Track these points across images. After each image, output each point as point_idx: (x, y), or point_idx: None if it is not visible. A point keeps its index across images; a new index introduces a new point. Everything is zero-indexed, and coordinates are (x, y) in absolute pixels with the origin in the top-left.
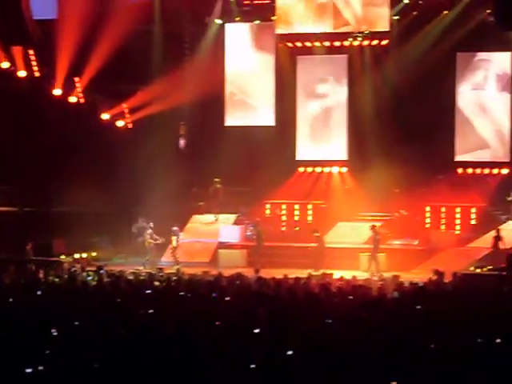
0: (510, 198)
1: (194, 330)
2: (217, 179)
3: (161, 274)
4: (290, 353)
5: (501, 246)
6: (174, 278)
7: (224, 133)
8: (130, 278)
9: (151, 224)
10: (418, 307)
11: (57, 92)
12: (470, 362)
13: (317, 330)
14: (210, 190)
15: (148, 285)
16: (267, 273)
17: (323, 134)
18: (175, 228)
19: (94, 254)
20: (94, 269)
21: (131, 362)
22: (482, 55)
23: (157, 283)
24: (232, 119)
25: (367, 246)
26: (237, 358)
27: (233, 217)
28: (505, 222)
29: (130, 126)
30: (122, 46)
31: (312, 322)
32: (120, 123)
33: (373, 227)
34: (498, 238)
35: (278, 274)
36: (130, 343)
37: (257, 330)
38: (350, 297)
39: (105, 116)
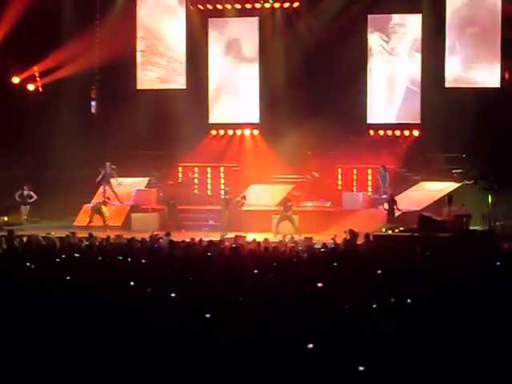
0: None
1: (109, 293)
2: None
3: (73, 238)
4: (207, 316)
5: (396, 212)
6: (86, 242)
7: (136, 96)
8: (42, 242)
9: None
10: (331, 268)
11: None
12: (383, 321)
13: (230, 293)
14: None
15: (60, 249)
16: (180, 236)
17: (234, 97)
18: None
19: (5, 218)
20: (4, 233)
21: (47, 328)
22: (393, 17)
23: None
24: (143, 83)
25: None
26: (153, 321)
27: (145, 180)
28: (417, 183)
29: (40, 89)
30: (33, 8)
31: (225, 285)
32: (31, 87)
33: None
34: (392, 202)
35: (191, 237)
36: (45, 310)
37: (173, 294)
38: (263, 259)
39: (15, 79)
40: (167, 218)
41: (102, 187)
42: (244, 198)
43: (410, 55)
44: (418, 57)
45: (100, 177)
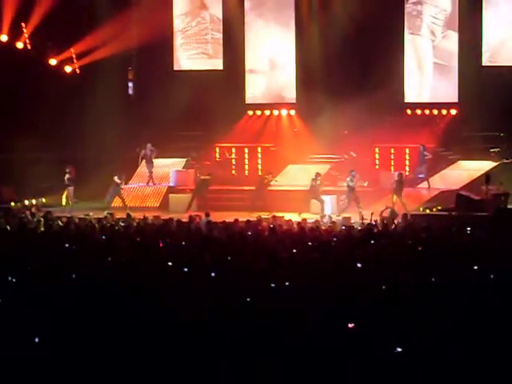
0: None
1: (148, 275)
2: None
3: (111, 219)
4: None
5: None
6: (123, 223)
7: (173, 77)
8: (80, 224)
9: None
10: (369, 247)
11: (3, 38)
12: (423, 300)
13: (270, 273)
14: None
15: (99, 231)
16: (218, 216)
17: (272, 78)
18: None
19: (43, 200)
20: (43, 215)
21: (84, 308)
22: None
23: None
24: (181, 63)
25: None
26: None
27: (183, 161)
28: (454, 162)
29: (78, 71)
30: None
31: (264, 265)
32: (68, 69)
33: (317, 175)
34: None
35: (228, 217)
36: (81, 289)
37: (213, 274)
38: (300, 239)
39: (53, 61)
40: (195, 195)
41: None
42: (272, 176)
43: (447, 33)
44: (455, 35)
45: (141, 157)
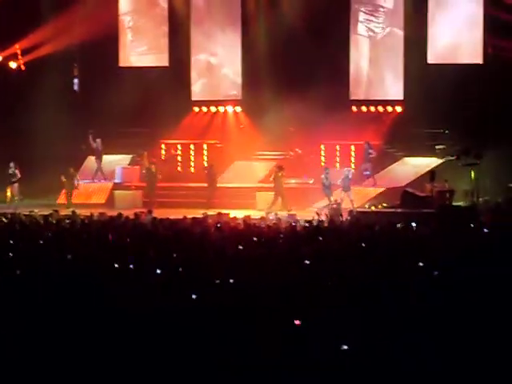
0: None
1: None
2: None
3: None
4: (194, 297)
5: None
6: (68, 220)
7: (119, 73)
8: (25, 221)
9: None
10: (314, 244)
11: None
12: (367, 296)
13: (215, 270)
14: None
15: (44, 227)
16: (164, 213)
17: (218, 74)
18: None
19: None
20: None
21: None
22: None
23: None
24: (126, 60)
25: (265, 185)
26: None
27: (128, 157)
28: (400, 159)
29: (23, 67)
30: None
31: (208, 261)
32: (13, 65)
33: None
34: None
35: (174, 214)
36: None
37: (158, 271)
38: (246, 236)
39: None
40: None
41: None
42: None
43: (392, 31)
44: (400, 32)
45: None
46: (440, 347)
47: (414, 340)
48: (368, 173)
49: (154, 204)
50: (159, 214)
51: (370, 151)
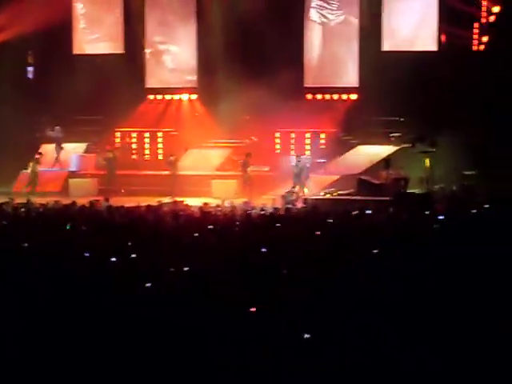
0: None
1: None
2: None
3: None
4: (148, 285)
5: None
6: (23, 209)
7: (73, 61)
8: None
9: None
10: (270, 231)
11: None
12: (322, 286)
13: (170, 258)
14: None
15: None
16: (119, 201)
17: (173, 61)
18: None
19: None
20: None
21: None
22: None
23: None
24: (80, 47)
25: (220, 172)
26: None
27: (83, 145)
28: (355, 147)
29: None
30: None
31: (162, 248)
32: None
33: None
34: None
35: (130, 202)
36: None
37: (113, 259)
38: (202, 223)
39: None
40: (106, 182)
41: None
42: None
43: (349, 19)
44: (355, 20)
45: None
46: (398, 333)
47: (369, 324)
48: (322, 160)
49: (116, 192)
50: (115, 201)
51: (317, 141)
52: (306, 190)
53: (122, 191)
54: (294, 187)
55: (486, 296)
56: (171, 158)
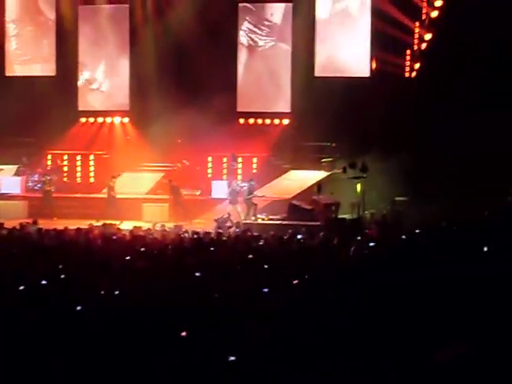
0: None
1: None
2: None
3: None
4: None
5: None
6: None
7: (5, 83)
8: None
9: None
10: (202, 256)
11: None
12: (253, 310)
13: (100, 281)
14: None
15: None
16: (49, 224)
17: (105, 85)
18: None
19: None
20: None
21: None
22: (264, 7)
23: None
24: (13, 69)
25: (153, 196)
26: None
27: (14, 168)
28: (287, 172)
29: None
30: None
31: (95, 273)
32: None
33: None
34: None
35: (61, 225)
36: None
37: (44, 282)
38: (133, 247)
39: None
40: (42, 206)
41: None
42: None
43: (280, 45)
44: (288, 47)
45: None
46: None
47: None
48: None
49: (51, 216)
50: (45, 224)
51: (233, 163)
52: (240, 215)
53: (55, 219)
54: (227, 212)
55: (420, 323)
56: (113, 179)
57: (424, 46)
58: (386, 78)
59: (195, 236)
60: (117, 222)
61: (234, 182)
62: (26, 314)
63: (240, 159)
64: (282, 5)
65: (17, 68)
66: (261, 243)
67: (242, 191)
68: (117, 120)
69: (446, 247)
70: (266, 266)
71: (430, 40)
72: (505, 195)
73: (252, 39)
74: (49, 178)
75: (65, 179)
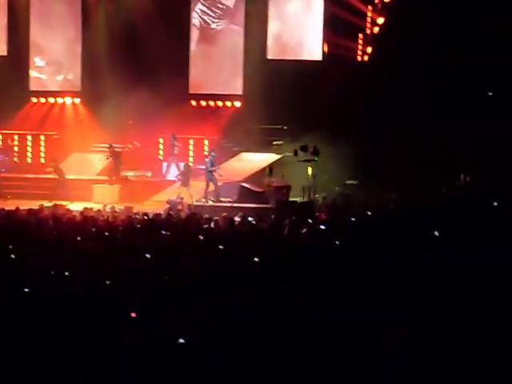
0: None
1: None
2: None
3: None
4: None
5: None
6: None
7: None
8: None
9: None
10: (153, 237)
11: None
12: (204, 292)
13: (51, 261)
14: None
15: None
16: (0, 204)
17: (57, 64)
18: None
19: None
20: None
21: None
22: None
23: None
24: None
25: (104, 177)
26: None
27: None
28: (238, 154)
29: None
30: None
31: (45, 254)
32: None
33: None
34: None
35: (11, 205)
36: None
37: None
38: (83, 228)
39: None
40: None
41: None
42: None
43: (233, 27)
44: (241, 29)
45: None
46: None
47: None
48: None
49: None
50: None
51: (175, 143)
52: (192, 197)
53: (8, 197)
54: (179, 193)
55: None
56: (51, 164)
57: (376, 29)
58: (338, 61)
59: (145, 217)
60: (67, 203)
61: (184, 164)
62: None
63: (191, 141)
64: None
65: None
66: (212, 225)
67: (197, 170)
68: (68, 100)
69: (395, 230)
70: (220, 247)
71: (383, 24)
72: (453, 180)
73: (205, 21)
74: None
75: (15, 159)
